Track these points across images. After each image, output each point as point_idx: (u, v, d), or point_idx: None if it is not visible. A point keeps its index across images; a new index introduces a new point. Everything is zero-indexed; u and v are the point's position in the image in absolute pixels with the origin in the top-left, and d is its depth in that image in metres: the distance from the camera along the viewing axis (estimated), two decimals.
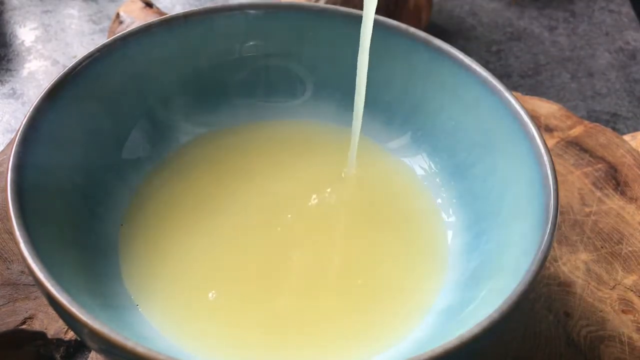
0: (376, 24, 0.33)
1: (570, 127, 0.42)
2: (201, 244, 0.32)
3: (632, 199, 0.38)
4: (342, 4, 0.50)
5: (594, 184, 0.39)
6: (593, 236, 0.36)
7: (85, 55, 0.32)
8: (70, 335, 0.31)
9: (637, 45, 0.58)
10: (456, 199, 0.34)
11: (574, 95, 0.53)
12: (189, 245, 0.32)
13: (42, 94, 0.29)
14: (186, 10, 0.34)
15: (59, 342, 0.31)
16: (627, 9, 0.62)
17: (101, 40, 0.54)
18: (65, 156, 0.30)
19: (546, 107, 0.43)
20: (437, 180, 0.35)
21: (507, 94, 0.32)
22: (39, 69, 0.52)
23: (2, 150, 0.39)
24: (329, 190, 0.35)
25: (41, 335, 0.31)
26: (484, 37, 0.59)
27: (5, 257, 0.33)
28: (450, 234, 0.33)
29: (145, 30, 0.33)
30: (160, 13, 0.49)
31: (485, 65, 0.55)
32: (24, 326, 0.31)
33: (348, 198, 0.35)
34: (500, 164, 0.32)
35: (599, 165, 0.40)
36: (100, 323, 0.22)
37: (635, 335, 0.32)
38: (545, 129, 0.42)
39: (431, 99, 0.35)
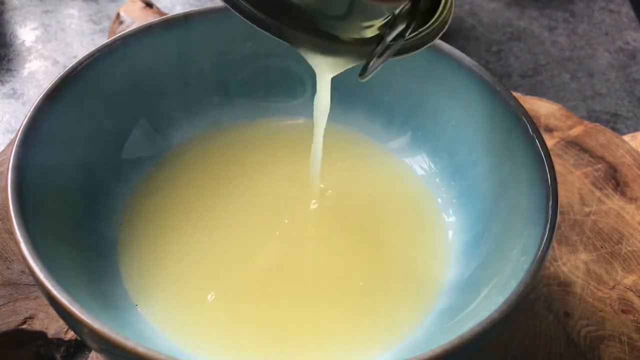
0: None
1: (570, 127, 0.42)
2: (201, 243, 0.32)
3: (631, 199, 0.38)
4: None
5: (593, 184, 0.39)
6: (593, 236, 0.36)
7: (85, 56, 0.32)
8: (71, 335, 0.31)
9: (637, 45, 0.58)
10: (456, 199, 0.34)
11: (573, 95, 0.53)
12: (189, 245, 0.32)
13: (42, 94, 0.29)
14: (186, 10, 0.34)
15: (59, 342, 0.31)
16: (627, 9, 0.62)
17: (101, 40, 0.54)
18: (65, 156, 0.30)
19: (546, 107, 0.43)
20: (437, 180, 0.35)
21: (507, 94, 0.32)
22: (39, 69, 0.52)
23: (3, 151, 0.39)
24: (329, 191, 0.35)
25: (41, 335, 0.31)
26: (484, 37, 0.59)
27: (6, 257, 0.33)
28: (450, 234, 0.33)
29: (145, 30, 0.33)
30: (160, 13, 0.49)
31: (485, 65, 0.55)
32: (24, 326, 0.31)
33: (348, 198, 0.35)
34: (500, 164, 0.32)
35: (599, 165, 0.40)
36: (101, 323, 0.22)
37: (635, 335, 0.32)
38: (545, 129, 0.42)
39: (431, 99, 0.35)
